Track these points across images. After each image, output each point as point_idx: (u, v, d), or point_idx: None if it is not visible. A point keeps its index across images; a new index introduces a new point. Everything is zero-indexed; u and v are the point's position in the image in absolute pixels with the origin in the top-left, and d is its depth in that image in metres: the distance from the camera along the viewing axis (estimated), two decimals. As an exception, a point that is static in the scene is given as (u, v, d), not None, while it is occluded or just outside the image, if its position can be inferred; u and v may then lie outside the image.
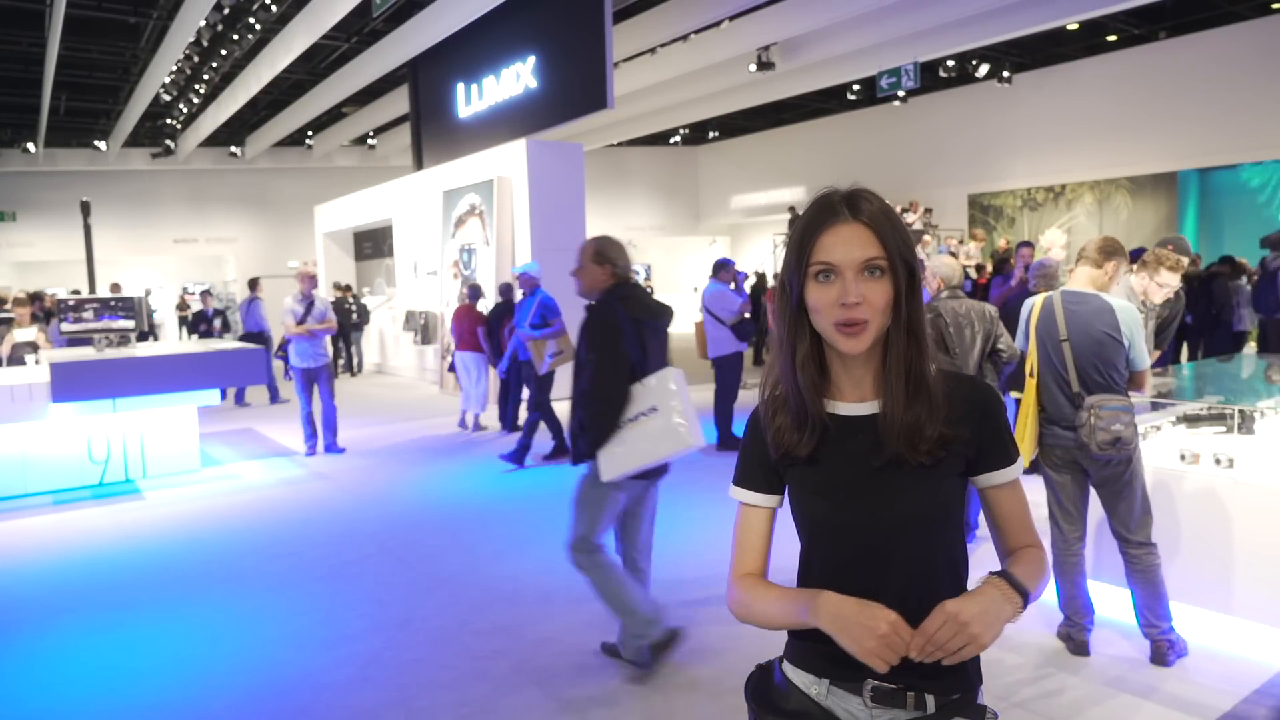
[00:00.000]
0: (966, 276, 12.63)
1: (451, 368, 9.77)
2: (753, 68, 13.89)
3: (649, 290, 3.21)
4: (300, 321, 7.98)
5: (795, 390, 1.30)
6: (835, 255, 1.22)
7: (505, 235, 11.36)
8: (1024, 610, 1.22)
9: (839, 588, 1.30)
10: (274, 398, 12.08)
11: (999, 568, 1.33)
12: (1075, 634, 3.51)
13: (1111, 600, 3.81)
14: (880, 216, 1.24)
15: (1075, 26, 13.63)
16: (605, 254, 3.33)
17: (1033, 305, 3.60)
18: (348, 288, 15.96)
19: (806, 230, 1.25)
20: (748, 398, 8.96)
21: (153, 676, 3.69)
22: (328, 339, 8.40)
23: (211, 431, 9.60)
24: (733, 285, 8.59)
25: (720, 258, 8.60)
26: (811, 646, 1.33)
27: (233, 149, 20.28)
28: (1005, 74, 15.98)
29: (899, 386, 1.25)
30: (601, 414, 3.18)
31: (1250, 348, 10.35)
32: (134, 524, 6.04)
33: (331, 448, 8.35)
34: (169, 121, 18.16)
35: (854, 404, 1.31)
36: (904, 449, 1.24)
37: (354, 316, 15.14)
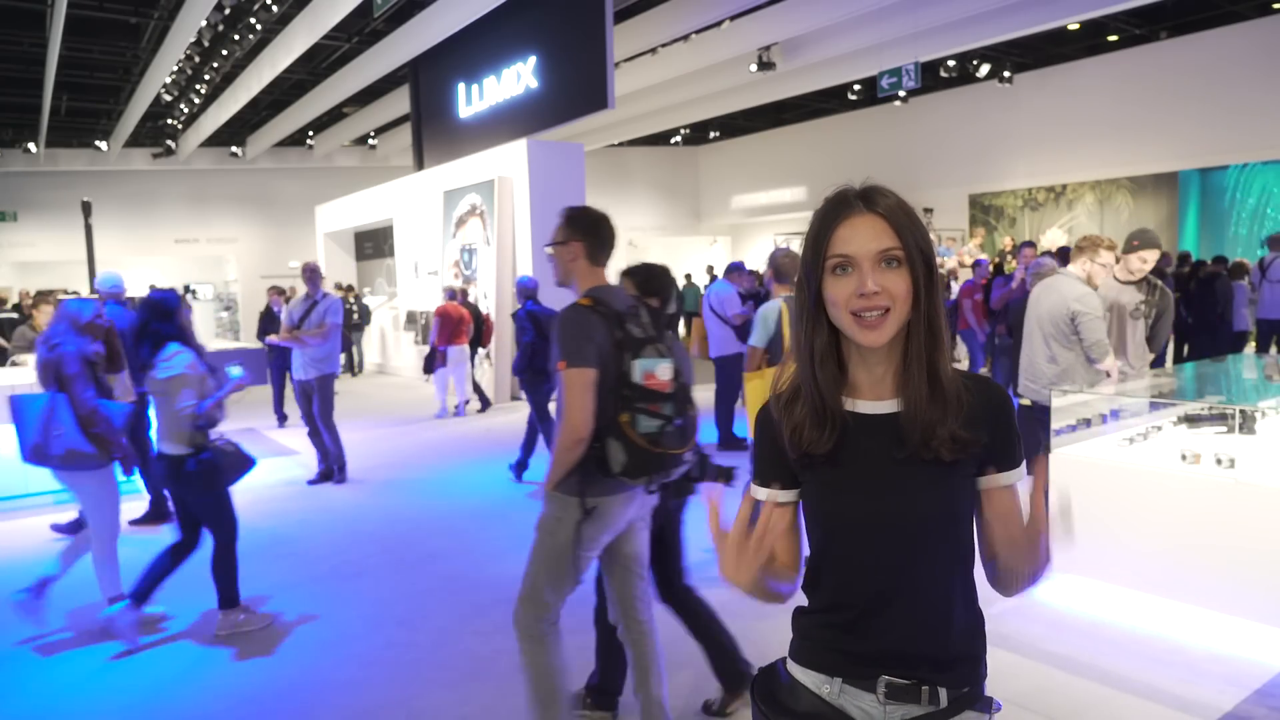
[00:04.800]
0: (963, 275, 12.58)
1: (443, 359, 10.15)
2: (753, 68, 13.89)
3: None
4: (295, 325, 6.86)
5: (814, 387, 1.29)
6: (852, 247, 1.22)
7: (506, 235, 11.36)
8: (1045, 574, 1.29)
9: (853, 586, 1.31)
10: (279, 415, 10.29)
11: (982, 572, 1.36)
12: None
13: (1111, 600, 3.81)
14: (896, 209, 1.24)
15: (1076, 26, 13.62)
16: None
17: (780, 308, 4.44)
18: (349, 288, 15.97)
19: (822, 225, 1.25)
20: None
21: (153, 676, 3.69)
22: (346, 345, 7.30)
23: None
24: (741, 287, 8.62)
25: (734, 261, 8.69)
26: (821, 645, 1.33)
27: (234, 149, 20.29)
28: (1006, 74, 15.97)
29: (920, 381, 1.25)
30: None
31: (1250, 347, 10.35)
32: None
33: (336, 477, 7.14)
34: (170, 122, 18.17)
35: (873, 402, 1.30)
36: (926, 447, 1.24)
37: (355, 317, 15.15)
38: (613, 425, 2.51)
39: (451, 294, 10.38)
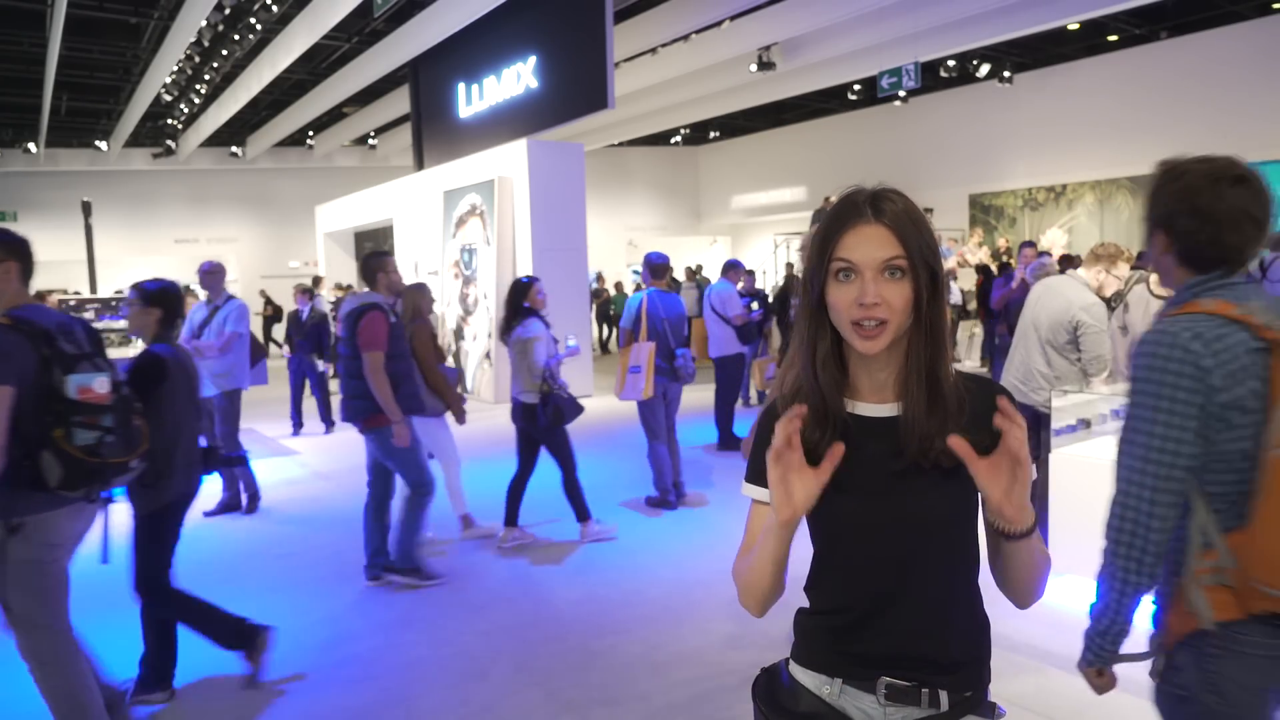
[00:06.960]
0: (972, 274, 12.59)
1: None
2: (753, 68, 13.89)
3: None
4: (195, 334, 5.95)
5: (816, 389, 1.29)
6: (856, 255, 1.22)
7: (506, 235, 11.37)
8: (1027, 536, 1.22)
9: (854, 588, 1.30)
10: (294, 422, 9.97)
11: (997, 576, 1.34)
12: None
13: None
14: (903, 217, 1.24)
15: (1076, 26, 13.62)
16: None
17: (642, 298, 5.60)
18: (349, 288, 15.96)
19: (830, 228, 1.26)
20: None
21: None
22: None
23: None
24: (740, 285, 8.59)
25: (730, 259, 8.64)
26: (822, 647, 1.33)
27: (234, 149, 20.29)
28: (1006, 74, 15.97)
29: (918, 390, 1.25)
30: None
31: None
32: (135, 524, 6.04)
33: (245, 506, 6.20)
34: (170, 121, 18.17)
35: (874, 405, 1.30)
36: (924, 455, 1.24)
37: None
38: (46, 440, 2.56)
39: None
